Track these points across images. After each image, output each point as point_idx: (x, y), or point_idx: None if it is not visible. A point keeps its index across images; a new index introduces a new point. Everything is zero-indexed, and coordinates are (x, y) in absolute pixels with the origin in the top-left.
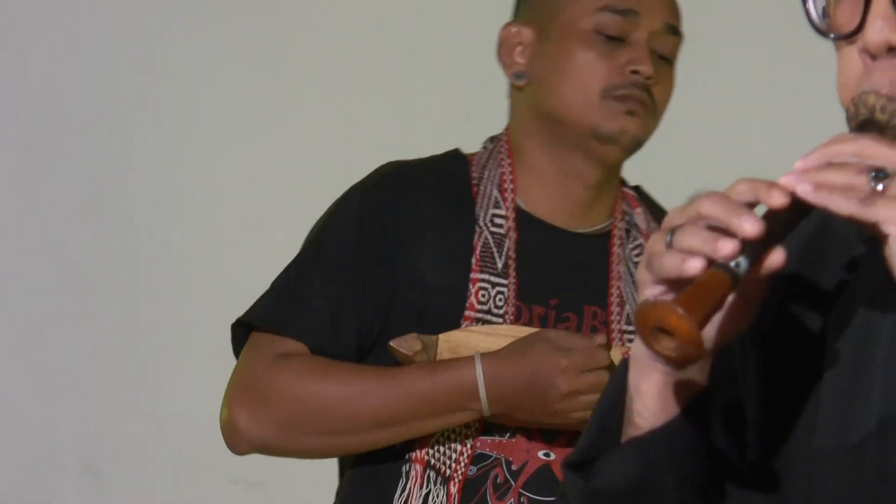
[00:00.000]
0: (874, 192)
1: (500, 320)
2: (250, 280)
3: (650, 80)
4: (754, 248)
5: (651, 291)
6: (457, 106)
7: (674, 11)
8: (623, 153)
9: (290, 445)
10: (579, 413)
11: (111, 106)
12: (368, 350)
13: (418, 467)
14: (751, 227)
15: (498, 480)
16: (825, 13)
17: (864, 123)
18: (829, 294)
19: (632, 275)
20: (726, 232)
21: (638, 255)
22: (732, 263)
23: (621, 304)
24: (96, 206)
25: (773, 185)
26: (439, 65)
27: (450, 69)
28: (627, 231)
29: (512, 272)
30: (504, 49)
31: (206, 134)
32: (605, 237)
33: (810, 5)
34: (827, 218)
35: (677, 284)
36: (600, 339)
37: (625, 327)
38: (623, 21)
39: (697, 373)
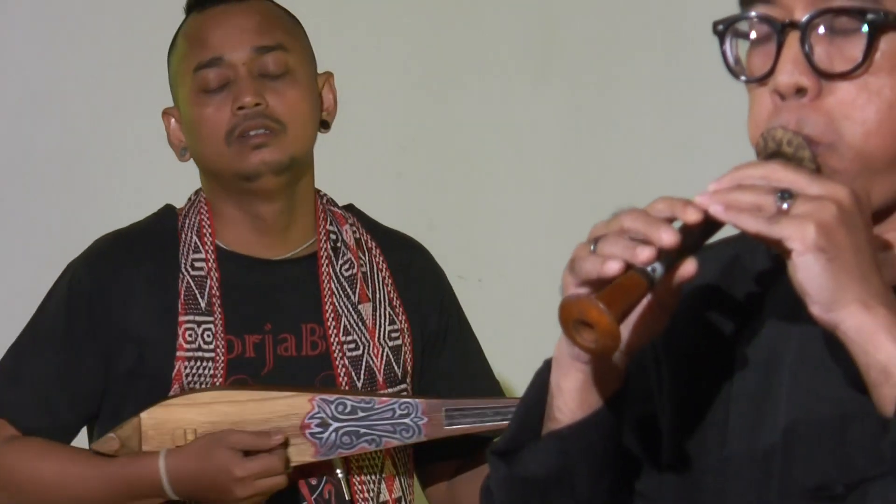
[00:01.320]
0: (780, 212)
1: (213, 354)
2: None
3: (259, 105)
4: (669, 257)
5: (573, 292)
6: (388, 162)
7: (259, 33)
8: (277, 178)
9: None
10: (261, 501)
11: (79, 157)
12: (98, 412)
13: None
14: (668, 238)
15: None
16: (738, 60)
17: (772, 155)
18: (741, 311)
19: (343, 290)
20: (645, 243)
21: (348, 270)
22: (649, 268)
23: (337, 318)
24: (64, 253)
25: (688, 203)
26: (371, 121)
27: (381, 125)
28: (336, 249)
29: (217, 308)
30: (170, 134)
31: (170, 184)
32: (310, 258)
33: (728, 53)
34: (744, 242)
35: (597, 286)
36: (277, 438)
37: (343, 338)
38: (215, 70)
39: (613, 374)
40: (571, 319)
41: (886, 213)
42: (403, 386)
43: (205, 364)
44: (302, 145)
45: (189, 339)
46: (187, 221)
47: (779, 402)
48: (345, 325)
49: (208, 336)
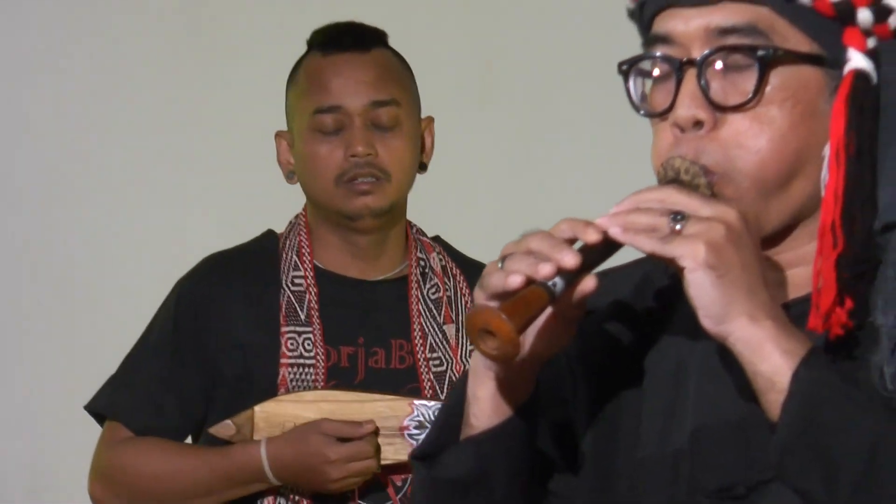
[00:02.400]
0: (673, 232)
1: (313, 361)
2: None
3: (370, 155)
4: (570, 273)
5: (480, 304)
6: None
7: (376, 88)
8: (377, 220)
9: None
10: (355, 485)
11: (50, 177)
12: (205, 417)
13: None
14: (568, 259)
15: None
16: (643, 97)
17: (671, 182)
18: (651, 325)
19: (430, 311)
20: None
21: (434, 293)
22: (550, 283)
23: (424, 336)
24: (36, 263)
25: (589, 224)
26: None
27: None
28: (424, 274)
29: (316, 320)
30: (280, 153)
31: (132, 200)
32: (401, 281)
33: (631, 90)
34: (655, 262)
35: (504, 299)
36: (368, 426)
37: (428, 355)
38: (333, 117)
39: (525, 383)
40: (477, 328)
41: (779, 237)
42: None
43: (306, 370)
44: (402, 192)
45: (291, 347)
46: (287, 243)
47: (686, 408)
48: (430, 343)
49: (308, 345)
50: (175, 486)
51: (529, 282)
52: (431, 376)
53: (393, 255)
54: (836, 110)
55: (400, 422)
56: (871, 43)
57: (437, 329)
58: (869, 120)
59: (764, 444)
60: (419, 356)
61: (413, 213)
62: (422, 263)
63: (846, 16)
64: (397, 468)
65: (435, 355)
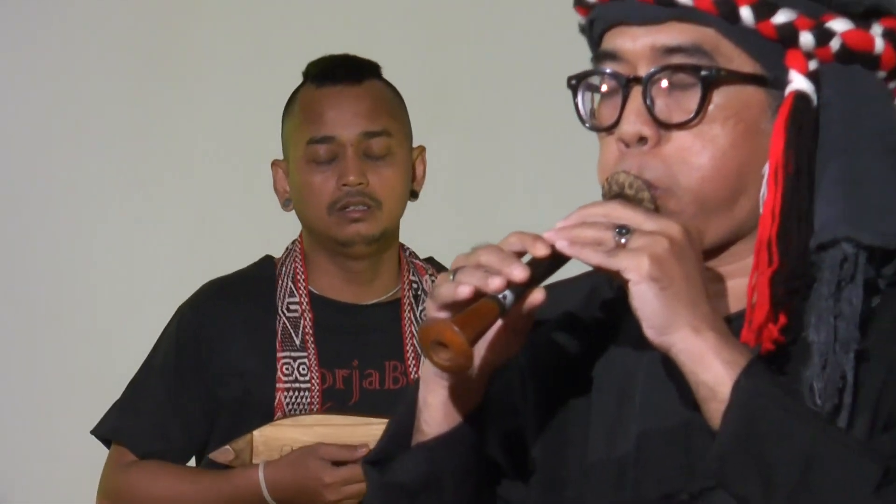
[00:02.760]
0: (618, 246)
1: (308, 385)
2: (137, 346)
3: (361, 184)
4: (519, 286)
5: (433, 316)
6: None
7: (369, 119)
8: (368, 247)
9: None
10: None
11: (15, 199)
12: (208, 437)
13: None
14: (517, 272)
15: None
16: (592, 112)
17: (616, 196)
18: (599, 336)
19: None
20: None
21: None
22: (500, 296)
23: (417, 357)
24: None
25: (537, 238)
26: None
27: None
28: (416, 296)
29: (311, 345)
30: (276, 183)
31: (96, 224)
32: (394, 304)
33: (580, 104)
34: (600, 275)
35: (456, 311)
36: (363, 450)
37: None
38: (326, 147)
39: (474, 390)
40: (430, 340)
41: (721, 250)
42: None
43: (302, 393)
44: (393, 219)
45: (286, 372)
46: (283, 269)
47: (632, 417)
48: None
49: (303, 369)
50: None
51: (480, 294)
52: None
53: (386, 279)
54: (776, 130)
55: None
56: (812, 65)
57: None
58: (808, 140)
59: (706, 452)
60: (412, 376)
61: None
62: (414, 286)
63: (789, 39)
64: None
65: None
